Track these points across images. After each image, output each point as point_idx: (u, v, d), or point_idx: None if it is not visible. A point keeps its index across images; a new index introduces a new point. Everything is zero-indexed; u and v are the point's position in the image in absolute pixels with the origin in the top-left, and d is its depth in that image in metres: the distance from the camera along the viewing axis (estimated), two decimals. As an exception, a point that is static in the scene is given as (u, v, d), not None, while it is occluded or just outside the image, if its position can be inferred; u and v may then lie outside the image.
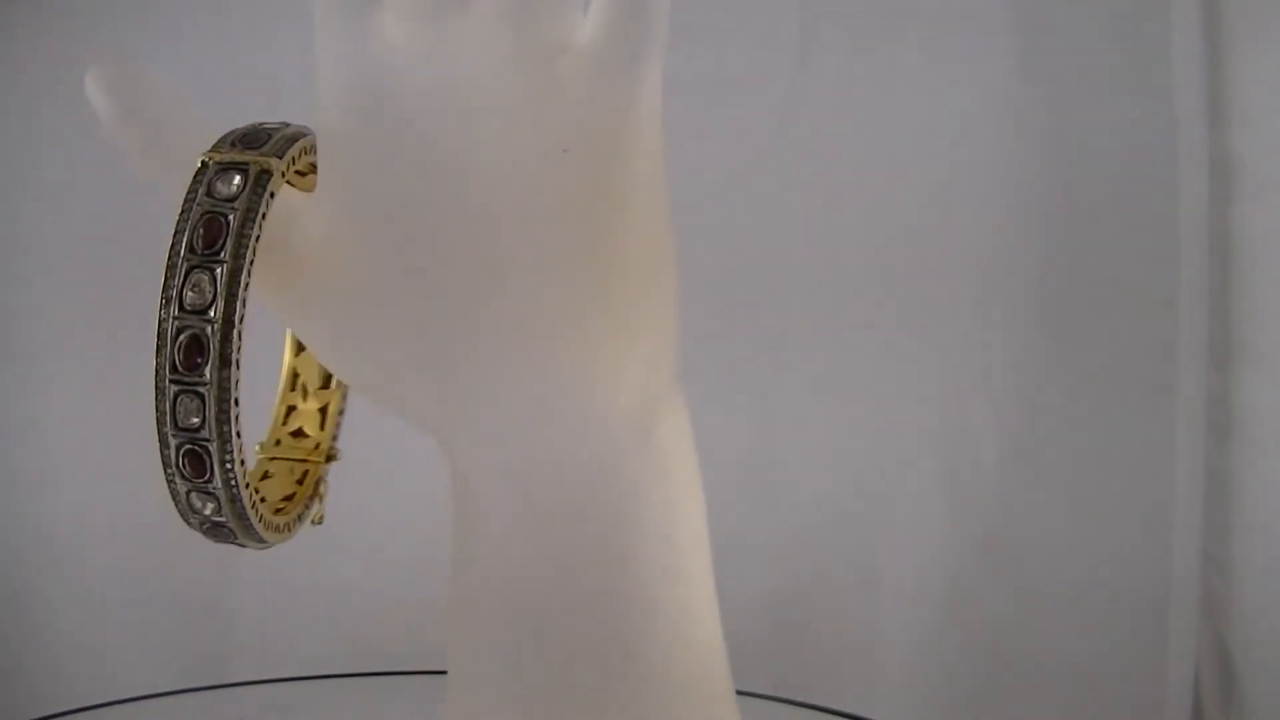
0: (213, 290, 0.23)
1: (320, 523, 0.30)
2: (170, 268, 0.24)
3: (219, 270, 0.23)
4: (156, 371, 0.23)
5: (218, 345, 0.23)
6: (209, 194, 0.24)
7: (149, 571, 0.59)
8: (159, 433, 0.24)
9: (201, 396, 0.23)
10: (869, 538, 0.58)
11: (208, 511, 0.25)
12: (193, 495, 0.24)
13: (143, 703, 0.47)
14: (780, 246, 0.58)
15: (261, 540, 0.26)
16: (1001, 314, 0.57)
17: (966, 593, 0.58)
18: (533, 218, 0.24)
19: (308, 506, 0.30)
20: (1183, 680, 0.56)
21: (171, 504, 0.25)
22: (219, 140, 0.25)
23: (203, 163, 0.24)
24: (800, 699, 0.49)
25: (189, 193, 0.24)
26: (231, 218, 0.23)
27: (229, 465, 0.24)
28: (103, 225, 0.58)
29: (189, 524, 0.25)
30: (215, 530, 0.25)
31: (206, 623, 0.59)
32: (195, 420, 0.23)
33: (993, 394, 0.57)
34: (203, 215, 0.24)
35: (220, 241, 0.23)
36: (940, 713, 0.58)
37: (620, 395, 0.25)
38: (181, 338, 0.23)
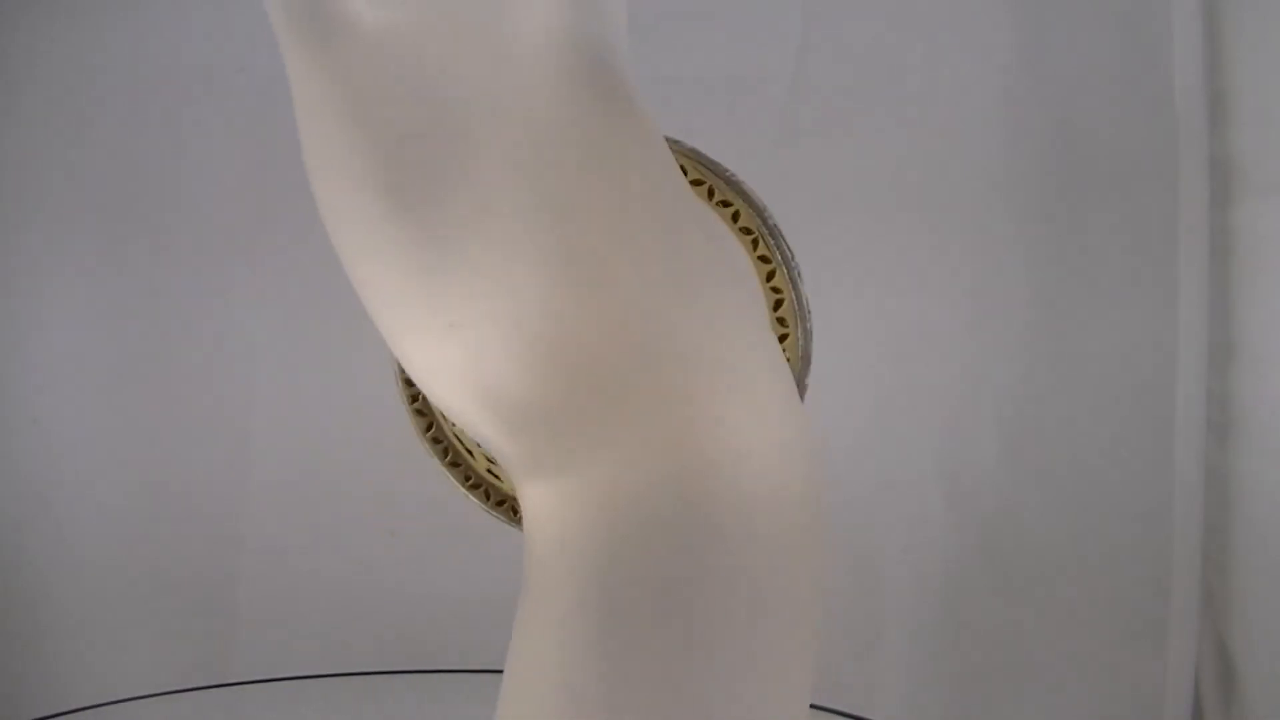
0: None
1: None
2: None
3: None
4: None
5: None
6: None
7: (149, 571, 0.59)
8: None
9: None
10: (868, 537, 0.58)
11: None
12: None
13: (142, 702, 0.47)
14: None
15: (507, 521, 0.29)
16: (1001, 312, 0.57)
17: (966, 592, 0.58)
18: None
19: None
20: (1183, 680, 0.56)
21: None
22: None
23: None
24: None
25: None
26: None
27: (419, 436, 0.27)
28: (103, 218, 0.58)
29: None
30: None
31: (206, 622, 0.59)
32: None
33: (992, 393, 0.57)
34: None
35: None
36: (940, 712, 0.58)
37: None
38: None
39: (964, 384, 0.58)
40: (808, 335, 0.27)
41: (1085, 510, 0.57)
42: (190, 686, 0.50)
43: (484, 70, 0.25)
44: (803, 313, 0.27)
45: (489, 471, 0.27)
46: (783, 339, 0.27)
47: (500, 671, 0.51)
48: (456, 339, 0.25)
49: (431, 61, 0.25)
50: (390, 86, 0.25)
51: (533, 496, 0.26)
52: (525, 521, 0.26)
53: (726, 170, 0.28)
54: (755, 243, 0.28)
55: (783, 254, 0.28)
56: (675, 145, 0.28)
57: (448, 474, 0.27)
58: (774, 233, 0.28)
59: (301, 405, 0.58)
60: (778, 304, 0.27)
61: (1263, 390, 0.54)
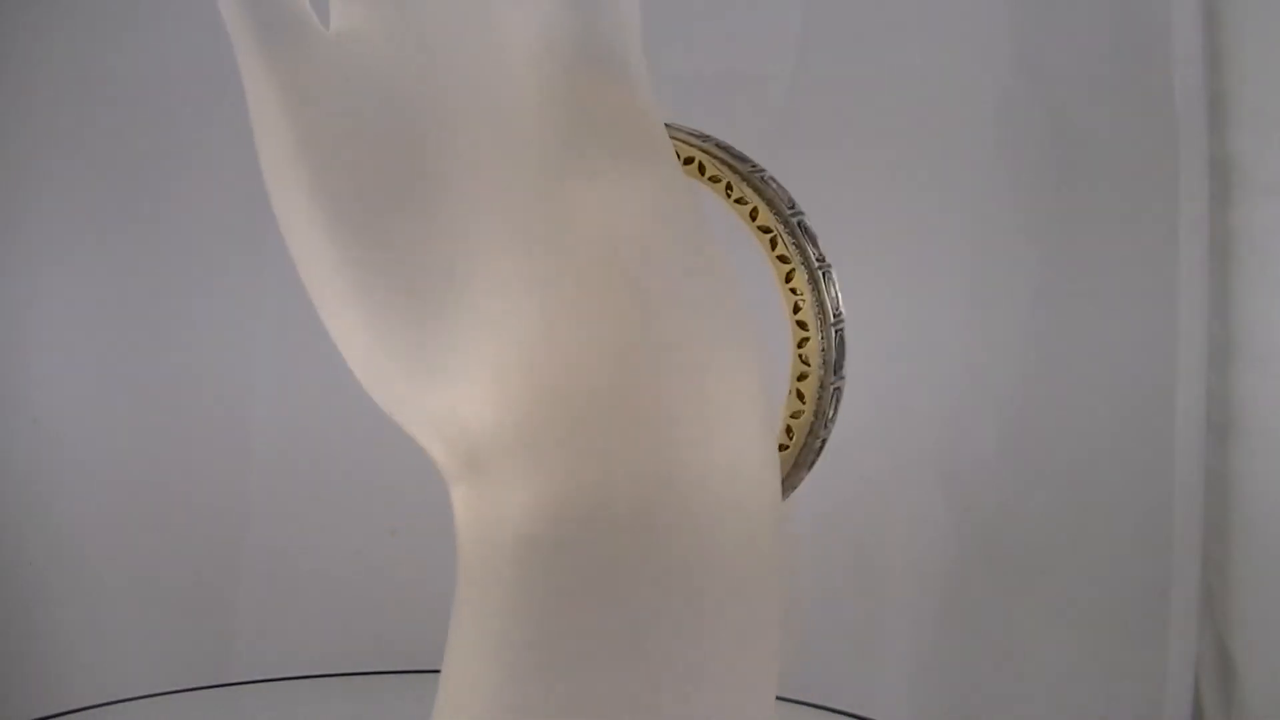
0: None
1: None
2: None
3: None
4: None
5: None
6: None
7: (149, 571, 0.59)
8: None
9: None
10: (868, 537, 0.58)
11: None
12: None
13: (142, 702, 0.47)
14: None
15: None
16: (1001, 311, 0.57)
17: (966, 592, 0.58)
18: None
19: None
20: (1183, 680, 0.56)
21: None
22: None
23: None
24: (800, 698, 0.49)
25: None
26: None
27: None
28: (104, 218, 0.58)
29: None
30: None
31: (206, 622, 0.59)
32: None
33: (993, 393, 0.57)
34: None
35: None
36: (940, 712, 0.58)
37: None
38: None
39: (964, 383, 0.58)
40: (830, 339, 0.27)
41: (1085, 510, 0.57)
42: (190, 686, 0.50)
43: (473, 77, 0.24)
44: (826, 316, 0.27)
45: None
46: (803, 343, 0.27)
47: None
48: (411, 370, 0.23)
49: (409, 72, 0.24)
50: (353, 102, 0.23)
51: (468, 498, 0.25)
52: (458, 521, 0.25)
53: (752, 167, 0.27)
54: (774, 242, 0.27)
55: (804, 254, 0.27)
56: (703, 141, 0.28)
57: None
58: (795, 232, 0.27)
59: (301, 405, 0.58)
60: (797, 307, 0.27)
61: (1263, 390, 0.54)
